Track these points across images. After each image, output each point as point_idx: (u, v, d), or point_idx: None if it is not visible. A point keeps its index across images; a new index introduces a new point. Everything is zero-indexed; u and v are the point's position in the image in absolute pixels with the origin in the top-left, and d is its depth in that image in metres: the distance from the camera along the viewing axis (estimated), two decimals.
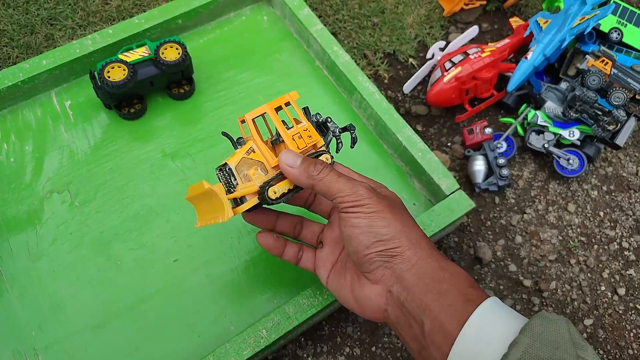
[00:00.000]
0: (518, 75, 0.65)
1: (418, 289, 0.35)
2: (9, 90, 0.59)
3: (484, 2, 0.78)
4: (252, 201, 0.40)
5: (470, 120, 0.71)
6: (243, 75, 0.66)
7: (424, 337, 0.34)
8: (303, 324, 0.50)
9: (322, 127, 0.44)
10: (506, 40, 0.70)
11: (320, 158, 0.41)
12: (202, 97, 0.64)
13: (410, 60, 0.76)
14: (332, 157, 0.43)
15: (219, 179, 0.41)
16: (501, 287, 0.60)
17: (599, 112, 0.62)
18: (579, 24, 0.64)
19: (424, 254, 0.36)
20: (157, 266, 0.53)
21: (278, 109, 0.42)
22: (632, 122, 0.63)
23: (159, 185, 0.58)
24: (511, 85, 0.65)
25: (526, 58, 0.65)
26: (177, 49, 0.59)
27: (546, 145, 0.65)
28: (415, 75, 0.71)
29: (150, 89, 0.61)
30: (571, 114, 0.64)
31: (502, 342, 0.30)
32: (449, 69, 0.67)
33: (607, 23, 0.68)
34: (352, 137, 0.44)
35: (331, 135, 0.43)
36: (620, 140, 0.63)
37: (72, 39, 0.72)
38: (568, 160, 0.65)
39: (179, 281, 0.53)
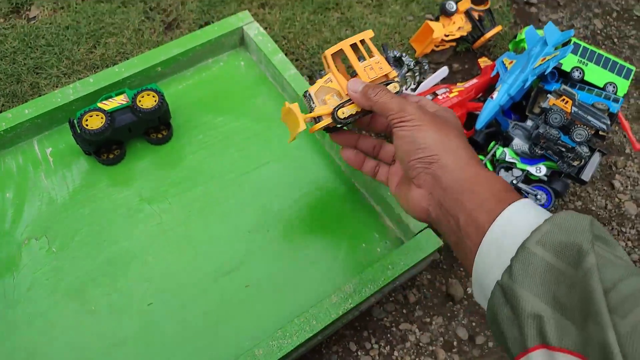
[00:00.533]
0: (485, 114, 0.67)
1: (454, 189, 0.38)
2: None
3: (454, 44, 0.82)
4: (326, 120, 0.48)
5: None
6: (220, 119, 0.68)
7: (459, 230, 0.37)
8: None
9: (399, 61, 0.55)
10: (474, 81, 0.73)
11: (389, 87, 0.47)
12: (180, 141, 0.66)
13: None
14: (400, 87, 0.48)
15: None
16: (473, 323, 0.61)
17: (563, 149, 0.64)
18: (540, 64, 0.67)
19: (462, 162, 0.40)
20: (132, 311, 0.54)
21: (354, 46, 0.48)
22: (596, 158, 0.65)
23: (135, 230, 0.59)
24: (479, 124, 0.68)
25: (492, 98, 0.68)
26: (153, 96, 0.61)
27: (515, 182, 0.67)
28: None
29: (129, 135, 0.63)
30: (536, 150, 0.66)
31: (526, 232, 0.31)
32: None
33: (569, 62, 0.71)
34: (422, 69, 0.55)
35: (406, 68, 0.53)
36: (586, 175, 0.65)
37: (57, 86, 0.75)
38: (536, 196, 0.67)
39: (153, 326, 0.54)
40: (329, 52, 0.48)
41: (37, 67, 0.76)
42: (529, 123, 0.70)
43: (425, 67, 0.48)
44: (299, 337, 0.51)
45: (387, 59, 0.49)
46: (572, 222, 0.31)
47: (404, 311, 0.61)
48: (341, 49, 0.49)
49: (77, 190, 0.61)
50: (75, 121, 0.59)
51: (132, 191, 0.62)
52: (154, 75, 0.69)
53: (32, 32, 0.79)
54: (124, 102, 0.61)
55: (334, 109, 0.47)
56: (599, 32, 0.89)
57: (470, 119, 0.74)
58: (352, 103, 0.47)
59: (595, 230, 0.30)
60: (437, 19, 0.80)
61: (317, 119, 0.48)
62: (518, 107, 0.75)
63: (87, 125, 0.58)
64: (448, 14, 0.79)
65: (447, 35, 0.78)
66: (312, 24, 0.85)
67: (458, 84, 0.73)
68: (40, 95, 0.74)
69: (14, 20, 0.81)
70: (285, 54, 0.80)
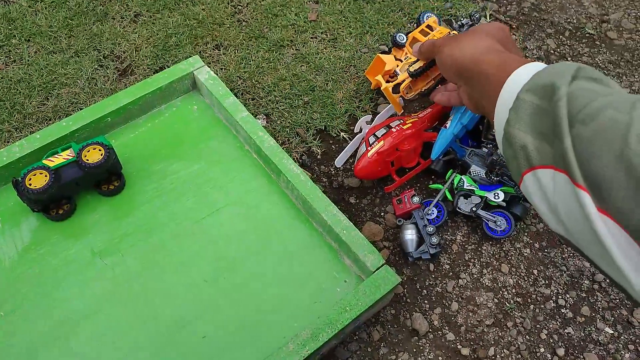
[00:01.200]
0: (439, 144, 0.67)
1: (471, 78, 0.48)
2: None
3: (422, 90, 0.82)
4: (403, 76, 0.70)
5: (399, 190, 0.73)
6: (174, 166, 0.68)
7: (486, 106, 0.44)
8: None
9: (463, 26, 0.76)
10: (428, 110, 0.73)
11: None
12: (132, 190, 0.65)
13: (342, 134, 0.78)
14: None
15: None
16: (440, 358, 0.60)
17: None
18: None
19: (473, 51, 0.48)
20: None
21: (423, 32, 0.72)
22: None
23: (87, 287, 0.58)
24: (434, 154, 0.68)
25: (445, 127, 0.68)
26: (100, 150, 0.60)
27: (474, 209, 0.67)
28: (345, 149, 0.73)
29: (77, 189, 0.62)
30: (492, 177, 0.66)
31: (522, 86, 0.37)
32: (373, 143, 0.69)
33: None
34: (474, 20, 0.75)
35: (460, 24, 0.76)
36: None
37: (8, 142, 0.73)
38: (495, 222, 0.66)
39: None
40: (410, 37, 0.72)
41: None
42: (484, 150, 0.70)
43: (477, 16, 0.75)
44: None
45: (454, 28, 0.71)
46: (560, 68, 0.36)
47: (369, 349, 0.60)
48: (414, 37, 0.72)
49: (26, 250, 0.60)
50: (19, 180, 0.58)
51: (84, 246, 0.60)
52: (104, 126, 0.69)
53: None
54: (70, 157, 0.60)
55: (407, 68, 0.66)
56: (552, 51, 0.91)
57: (426, 149, 0.74)
58: (418, 61, 0.66)
59: (582, 72, 0.35)
60: (389, 51, 0.80)
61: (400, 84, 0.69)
62: (475, 133, 0.75)
63: (30, 184, 0.57)
64: (399, 46, 0.79)
65: (398, 65, 0.79)
66: (267, 62, 0.85)
67: (412, 115, 0.73)
68: None
69: None
70: (241, 94, 0.80)
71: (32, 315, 0.56)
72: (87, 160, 0.59)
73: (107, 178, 0.64)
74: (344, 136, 0.78)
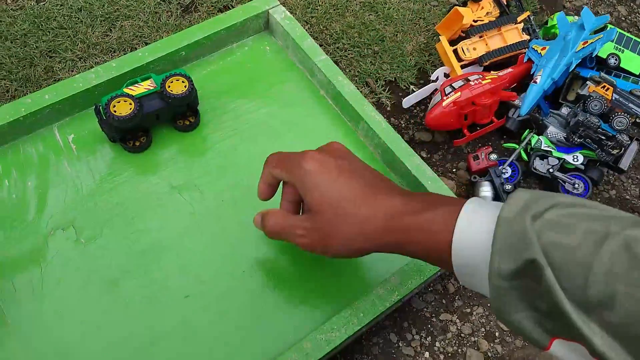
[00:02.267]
0: (530, 99, 0.66)
1: (396, 249, 0.39)
2: (10, 125, 0.57)
3: None
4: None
5: (474, 146, 0.72)
6: (248, 106, 0.66)
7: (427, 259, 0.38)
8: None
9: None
10: (509, 70, 0.71)
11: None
12: (207, 128, 0.64)
13: (412, 87, 0.76)
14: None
15: None
16: None
17: (603, 137, 0.63)
18: (583, 47, 0.66)
19: (372, 226, 0.39)
20: (167, 304, 0.52)
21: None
22: (634, 146, 0.64)
23: (168, 219, 0.57)
24: (524, 109, 0.66)
25: (535, 82, 0.66)
26: (183, 82, 0.58)
27: (551, 170, 0.66)
28: (416, 93, 0.72)
29: (156, 122, 0.60)
30: (575, 139, 0.65)
31: (483, 257, 0.32)
32: (449, 93, 0.68)
33: (605, 49, 0.70)
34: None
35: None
36: (624, 164, 0.64)
37: (73, 71, 0.71)
38: (574, 184, 0.65)
39: (190, 319, 0.51)
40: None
41: (50, 50, 0.73)
42: (564, 111, 0.69)
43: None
44: (347, 330, 0.49)
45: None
46: (515, 237, 0.29)
47: (444, 301, 0.60)
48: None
49: (103, 179, 0.58)
50: (101, 107, 0.56)
51: (161, 180, 0.59)
52: (178, 60, 0.66)
53: (43, 14, 0.76)
54: (152, 88, 0.58)
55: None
56: (623, 18, 0.88)
57: (501, 108, 0.72)
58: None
59: (535, 212, 0.30)
60: (464, 5, 0.78)
61: None
62: (548, 96, 0.73)
63: (115, 111, 0.55)
64: (476, 0, 0.77)
65: (475, 21, 0.76)
66: (335, 8, 0.82)
67: (492, 72, 0.71)
68: (55, 80, 0.70)
69: (22, 1, 0.77)
70: None
71: (112, 244, 0.55)
72: (171, 91, 0.57)
73: (184, 113, 0.62)
74: (414, 89, 0.76)
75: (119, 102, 0.55)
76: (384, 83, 0.76)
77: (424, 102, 0.75)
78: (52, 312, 0.50)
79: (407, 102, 0.71)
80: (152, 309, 0.51)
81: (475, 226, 0.33)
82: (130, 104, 0.55)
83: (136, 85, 0.58)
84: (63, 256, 0.53)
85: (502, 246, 0.30)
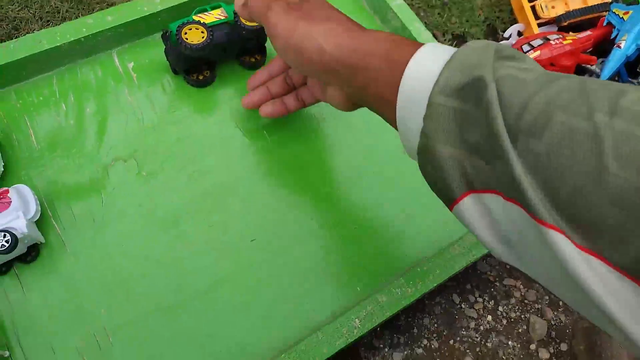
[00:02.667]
0: (612, 64, 0.63)
1: (352, 75, 0.35)
2: (70, 45, 0.54)
3: None
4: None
5: None
6: None
7: (377, 111, 0.35)
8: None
9: None
10: (588, 32, 0.67)
11: None
12: None
13: None
14: None
15: None
16: None
17: None
18: None
19: (341, 39, 0.35)
20: (231, 248, 0.50)
21: None
22: None
23: (232, 161, 0.54)
24: (605, 74, 0.63)
25: (619, 47, 0.63)
26: None
27: None
28: None
29: (223, 55, 0.56)
30: None
31: (431, 83, 0.28)
32: (527, 52, 0.64)
33: None
34: None
35: None
36: None
37: None
38: None
39: (255, 265, 0.49)
40: None
41: None
42: None
43: None
44: (422, 287, 0.47)
45: None
46: (473, 56, 0.27)
47: (508, 266, 0.58)
48: None
49: (164, 112, 0.55)
50: (172, 33, 0.52)
51: (225, 118, 0.56)
52: None
53: None
54: (223, 18, 0.54)
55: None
56: None
57: (577, 72, 0.69)
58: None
59: (499, 53, 0.27)
60: None
61: None
62: (625, 65, 0.70)
63: (186, 38, 0.51)
64: None
65: None
66: None
67: (570, 33, 0.67)
68: (109, 5, 0.66)
69: None
70: None
71: (173, 180, 0.52)
72: (246, 23, 0.53)
73: (251, 49, 0.58)
74: None
75: (190, 29, 0.51)
76: (451, 37, 0.72)
77: None
78: (114, 244, 0.48)
79: None
80: (215, 251, 0.49)
81: (435, 54, 0.30)
82: (203, 32, 0.52)
83: (206, 13, 0.54)
84: (124, 188, 0.51)
85: (456, 64, 0.28)
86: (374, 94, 0.33)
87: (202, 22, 0.52)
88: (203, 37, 0.51)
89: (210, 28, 0.52)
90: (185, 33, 0.51)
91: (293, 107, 0.50)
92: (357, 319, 0.45)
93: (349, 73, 0.35)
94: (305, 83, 0.50)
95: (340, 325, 0.45)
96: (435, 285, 0.47)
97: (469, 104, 0.27)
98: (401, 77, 0.30)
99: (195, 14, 0.54)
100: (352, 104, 0.40)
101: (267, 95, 0.51)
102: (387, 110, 0.33)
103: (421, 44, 0.31)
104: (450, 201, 0.29)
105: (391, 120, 0.33)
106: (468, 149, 0.27)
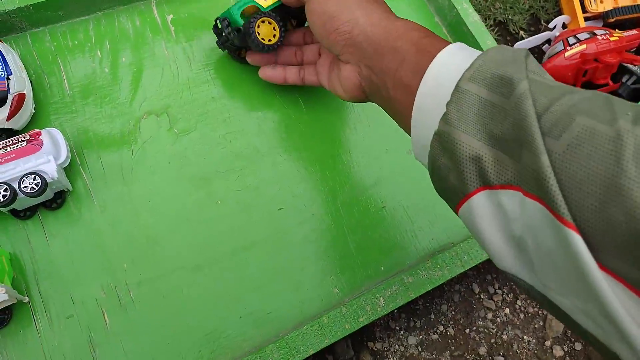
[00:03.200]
0: None
1: (377, 54, 0.35)
2: None
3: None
4: None
5: None
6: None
7: (389, 97, 0.34)
8: None
9: None
10: (634, 31, 0.65)
11: None
12: None
13: (521, 32, 0.71)
14: None
15: None
16: None
17: None
18: None
19: (376, 18, 0.36)
20: (261, 213, 0.49)
21: None
22: None
23: (266, 125, 0.53)
24: None
25: None
26: None
27: None
28: (530, 39, 0.67)
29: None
30: None
31: (460, 73, 0.28)
32: (573, 44, 0.62)
33: None
34: None
35: None
36: None
37: None
38: None
39: (284, 232, 0.49)
40: None
41: None
42: None
43: None
44: (449, 272, 0.47)
45: None
46: (506, 55, 0.28)
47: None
48: None
49: (200, 69, 0.54)
50: (229, 22, 0.47)
51: (262, 83, 0.54)
52: None
53: None
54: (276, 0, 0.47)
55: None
56: None
57: (619, 71, 0.67)
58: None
59: (530, 60, 0.28)
60: None
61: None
62: None
63: (259, 33, 0.46)
64: None
65: None
66: None
67: (617, 30, 0.66)
68: None
69: None
70: None
71: (207, 140, 0.51)
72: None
73: (297, 18, 0.55)
74: (523, 35, 0.71)
75: (263, 22, 0.46)
76: (492, 23, 0.70)
77: (532, 51, 0.69)
78: (142, 199, 0.47)
79: (520, 46, 0.66)
80: (244, 215, 0.49)
81: (467, 50, 0.31)
82: (274, 28, 0.47)
83: None
84: (156, 144, 0.50)
85: (490, 57, 0.28)
86: (393, 77, 0.33)
87: (261, 6, 0.46)
88: (275, 35, 0.47)
89: (278, 19, 0.47)
90: (259, 26, 0.46)
91: (291, 80, 0.49)
92: (382, 298, 0.45)
93: (375, 52, 0.35)
94: (312, 64, 0.48)
95: (365, 302, 0.44)
96: (462, 271, 0.47)
97: (497, 95, 0.26)
98: (429, 64, 0.30)
99: None
100: (361, 92, 0.40)
101: (272, 60, 0.50)
102: (402, 98, 0.33)
103: (445, 42, 0.32)
104: (459, 197, 0.28)
105: (401, 110, 0.33)
106: (491, 141, 0.26)
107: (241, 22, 0.46)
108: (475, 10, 0.70)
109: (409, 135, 0.33)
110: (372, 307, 0.44)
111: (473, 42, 0.58)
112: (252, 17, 0.45)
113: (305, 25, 0.52)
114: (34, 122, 0.48)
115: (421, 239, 0.51)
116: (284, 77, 0.49)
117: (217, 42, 0.52)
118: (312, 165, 0.52)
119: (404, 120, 0.34)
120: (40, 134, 0.44)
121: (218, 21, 0.49)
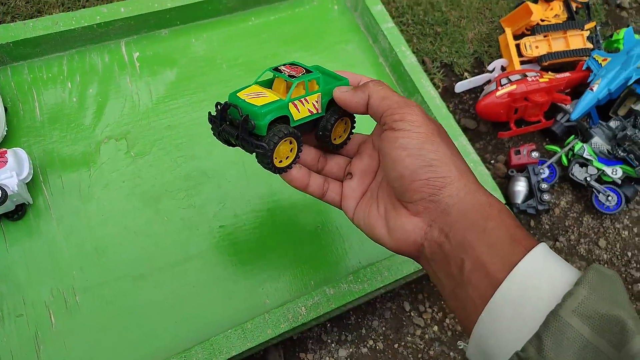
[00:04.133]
0: (583, 105, 0.67)
1: (461, 225, 0.31)
2: (82, 30, 0.59)
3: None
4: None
5: (516, 142, 0.72)
6: (309, 59, 0.67)
7: (461, 276, 0.30)
8: (337, 308, 0.51)
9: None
10: (566, 74, 0.71)
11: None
12: None
13: (466, 74, 0.77)
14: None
15: None
16: None
17: None
18: None
19: (473, 187, 0.32)
20: (203, 229, 0.54)
21: None
22: None
23: (214, 151, 0.58)
24: (575, 114, 0.67)
25: (591, 90, 0.67)
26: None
27: (588, 179, 0.67)
28: (470, 79, 0.72)
29: None
30: (619, 152, 0.66)
31: (555, 292, 0.26)
32: (505, 84, 0.68)
33: None
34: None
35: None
36: None
37: None
38: (607, 197, 0.66)
39: (222, 247, 0.54)
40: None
41: None
42: (613, 124, 0.69)
43: None
44: (369, 286, 0.51)
45: None
46: (609, 287, 0.26)
47: None
48: None
49: (160, 100, 0.60)
50: (256, 129, 0.36)
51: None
52: (249, 1, 0.67)
53: None
54: (315, 112, 0.39)
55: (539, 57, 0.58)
56: None
57: (551, 110, 0.73)
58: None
59: (627, 299, 0.26)
60: (535, 1, 0.78)
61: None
62: (598, 108, 0.74)
63: (277, 158, 0.37)
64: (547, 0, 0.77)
65: (542, 20, 0.76)
66: None
67: (550, 73, 0.72)
68: None
69: None
70: None
71: (159, 163, 0.57)
72: (334, 141, 0.41)
73: None
74: (467, 76, 0.77)
75: (285, 140, 0.37)
76: (439, 65, 0.77)
77: (474, 91, 0.75)
78: (96, 213, 0.53)
79: (460, 87, 0.72)
80: (188, 230, 0.54)
81: (554, 259, 0.28)
82: (293, 146, 0.38)
83: (303, 100, 0.37)
84: (113, 164, 0.56)
85: (593, 288, 0.26)
86: (476, 259, 0.29)
87: (292, 119, 0.37)
88: (289, 157, 0.38)
89: (299, 135, 0.38)
90: (279, 145, 0.37)
91: (311, 189, 0.40)
92: (303, 307, 0.49)
93: (459, 222, 0.31)
94: (335, 179, 0.42)
95: (287, 310, 0.48)
96: (381, 285, 0.51)
97: (605, 341, 0.24)
98: (519, 260, 0.28)
99: (275, 75, 0.39)
100: (415, 250, 0.34)
101: (303, 171, 0.40)
102: (480, 285, 0.29)
103: (529, 239, 0.30)
104: None
105: (473, 297, 0.29)
106: None
107: (264, 132, 0.36)
108: (423, 53, 0.77)
109: (454, 311, 0.31)
110: (294, 315, 0.48)
111: (409, 81, 0.64)
112: (275, 133, 0.36)
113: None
114: (6, 142, 0.54)
115: (351, 257, 0.55)
116: (306, 184, 0.40)
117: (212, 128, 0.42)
118: (254, 188, 0.57)
119: (467, 309, 0.30)
120: (5, 152, 0.50)
121: (221, 107, 0.38)
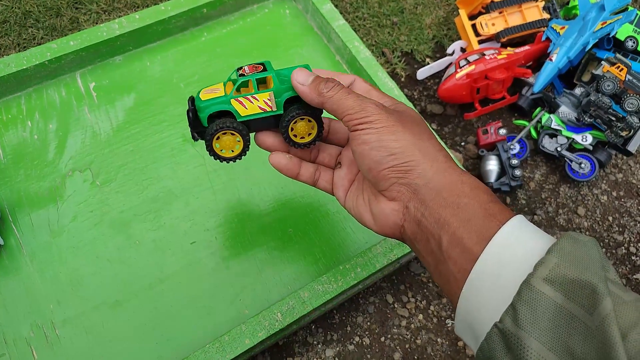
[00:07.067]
0: (544, 76, 0.66)
1: (435, 203, 0.32)
2: (35, 68, 0.60)
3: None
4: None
5: (484, 121, 0.72)
6: None
7: (441, 252, 0.32)
8: (316, 310, 0.51)
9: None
10: (525, 47, 0.71)
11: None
12: None
13: (427, 60, 0.77)
14: None
15: None
16: None
17: (613, 118, 0.63)
18: (601, 28, 0.66)
19: (442, 166, 0.34)
20: (175, 248, 0.54)
21: None
22: None
23: (179, 169, 0.59)
24: (537, 87, 0.67)
25: (551, 60, 0.66)
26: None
27: (559, 149, 0.67)
28: (431, 65, 0.72)
29: None
30: (585, 118, 0.65)
31: (528, 262, 0.27)
32: (463, 66, 0.68)
33: (623, 31, 0.69)
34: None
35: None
36: (632, 147, 0.64)
37: (97, 23, 0.73)
38: (580, 164, 0.66)
39: (196, 264, 0.54)
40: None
41: (76, 1, 0.75)
42: (577, 91, 0.69)
43: None
44: (344, 284, 0.51)
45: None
46: (581, 253, 0.26)
47: None
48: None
49: (120, 127, 0.61)
50: (195, 114, 0.40)
51: (176, 131, 0.61)
52: (199, 17, 0.68)
53: None
54: (269, 109, 0.39)
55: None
56: None
57: (515, 85, 0.73)
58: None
59: (605, 263, 0.27)
60: None
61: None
62: (563, 76, 0.73)
63: (217, 145, 0.41)
64: None
65: None
66: None
67: (509, 48, 0.71)
68: (80, 30, 0.72)
69: None
70: None
71: (125, 188, 0.57)
72: (297, 140, 0.41)
73: None
74: (429, 62, 0.77)
75: (225, 134, 0.40)
76: (400, 54, 0.77)
77: (438, 75, 0.75)
78: (67, 246, 0.53)
79: (422, 73, 0.72)
80: (160, 252, 0.54)
81: (527, 232, 0.29)
82: (239, 140, 0.41)
83: (251, 97, 0.39)
84: (79, 196, 0.56)
85: (565, 254, 0.26)
86: (452, 234, 0.31)
87: (238, 115, 0.39)
88: (234, 151, 0.41)
89: (247, 135, 0.41)
90: (218, 138, 0.40)
91: (303, 178, 0.43)
92: (279, 313, 0.49)
93: (434, 201, 0.32)
94: (327, 167, 0.44)
95: (263, 318, 0.49)
96: (355, 282, 0.51)
97: (578, 306, 0.25)
98: (495, 232, 0.29)
99: (236, 74, 0.40)
100: (398, 231, 0.36)
101: (286, 148, 0.43)
102: (459, 259, 0.30)
103: (504, 210, 0.31)
104: None
105: (454, 271, 0.30)
106: (564, 358, 0.24)
107: (205, 123, 0.39)
108: (382, 44, 0.77)
109: (441, 288, 0.32)
110: (270, 322, 0.49)
111: (366, 75, 0.64)
112: (218, 125, 0.39)
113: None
114: None
115: (325, 258, 0.55)
116: (297, 172, 0.42)
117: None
118: (222, 200, 0.57)
119: (450, 283, 0.31)
120: None
121: (189, 99, 0.41)
